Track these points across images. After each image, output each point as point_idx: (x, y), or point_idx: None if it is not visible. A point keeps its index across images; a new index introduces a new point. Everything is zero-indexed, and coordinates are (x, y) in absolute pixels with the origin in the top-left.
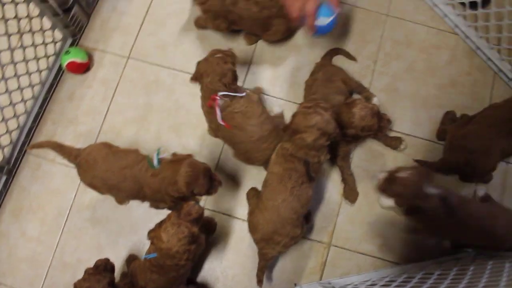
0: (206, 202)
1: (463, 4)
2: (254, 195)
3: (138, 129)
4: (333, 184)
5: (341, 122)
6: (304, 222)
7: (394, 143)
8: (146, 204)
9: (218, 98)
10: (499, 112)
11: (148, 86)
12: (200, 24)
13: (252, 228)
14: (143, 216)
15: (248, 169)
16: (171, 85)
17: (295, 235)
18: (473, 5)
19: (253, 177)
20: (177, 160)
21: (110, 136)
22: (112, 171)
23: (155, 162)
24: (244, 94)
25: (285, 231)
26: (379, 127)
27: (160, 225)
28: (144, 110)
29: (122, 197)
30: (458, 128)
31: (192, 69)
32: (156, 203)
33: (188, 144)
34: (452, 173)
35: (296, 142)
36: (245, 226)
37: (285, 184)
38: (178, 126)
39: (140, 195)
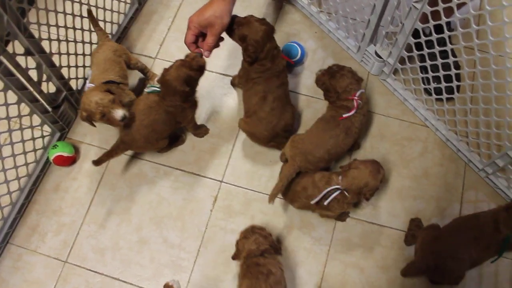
0: None
1: (429, 93)
2: None
3: (120, 220)
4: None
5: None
6: None
7: None
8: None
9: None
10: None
11: (131, 179)
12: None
13: None
14: None
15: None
16: (152, 178)
17: None
18: (440, 100)
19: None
20: None
21: (92, 227)
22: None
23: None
24: None
25: None
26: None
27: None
28: (126, 203)
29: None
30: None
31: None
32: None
33: (169, 236)
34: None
35: None
36: None
37: None
38: (159, 219)
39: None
